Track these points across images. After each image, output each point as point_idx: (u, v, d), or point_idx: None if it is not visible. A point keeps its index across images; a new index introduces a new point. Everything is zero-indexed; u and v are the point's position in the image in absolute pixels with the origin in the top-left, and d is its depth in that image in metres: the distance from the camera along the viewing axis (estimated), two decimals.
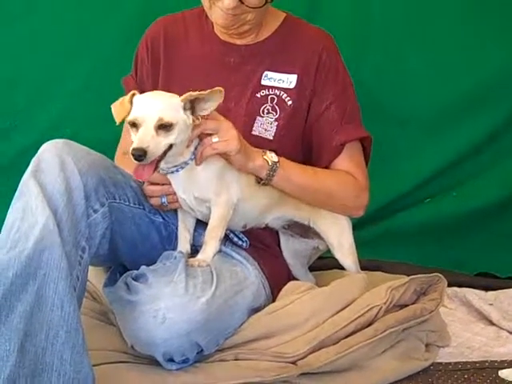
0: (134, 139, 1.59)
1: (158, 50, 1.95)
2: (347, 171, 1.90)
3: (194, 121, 1.65)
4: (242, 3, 1.75)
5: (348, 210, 1.94)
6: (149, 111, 1.60)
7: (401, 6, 2.48)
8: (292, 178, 1.81)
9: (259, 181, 1.78)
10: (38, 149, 1.62)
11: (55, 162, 1.57)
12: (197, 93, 1.63)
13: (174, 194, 1.76)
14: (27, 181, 1.55)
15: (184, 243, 1.82)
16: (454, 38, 2.48)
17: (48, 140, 1.64)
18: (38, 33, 2.50)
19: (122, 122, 1.66)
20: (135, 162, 1.58)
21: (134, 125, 1.60)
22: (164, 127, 1.59)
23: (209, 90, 1.63)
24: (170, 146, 1.62)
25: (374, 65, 2.45)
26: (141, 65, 1.99)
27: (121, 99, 1.66)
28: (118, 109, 1.65)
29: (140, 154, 1.56)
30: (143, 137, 1.57)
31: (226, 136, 1.68)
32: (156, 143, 1.58)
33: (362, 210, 1.94)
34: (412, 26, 2.49)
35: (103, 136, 2.26)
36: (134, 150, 1.56)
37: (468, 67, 2.50)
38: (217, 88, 1.63)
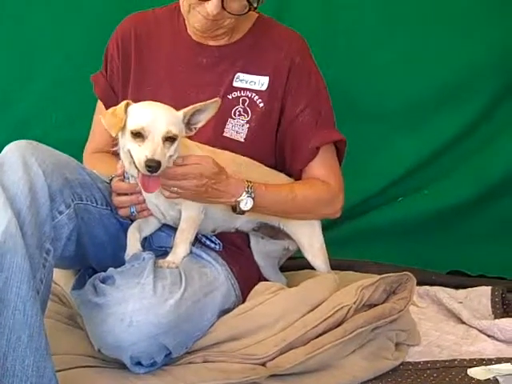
0: (143, 150, 1.57)
1: (128, 48, 1.94)
2: (321, 177, 1.91)
3: (187, 132, 1.66)
4: (224, 10, 1.74)
5: (325, 216, 1.98)
6: (157, 123, 1.59)
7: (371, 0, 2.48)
8: (268, 209, 1.82)
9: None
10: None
11: (18, 163, 1.55)
12: (198, 104, 1.64)
13: (143, 202, 1.75)
14: None
15: (134, 242, 1.76)
16: (424, 34, 2.47)
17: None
18: (5, 32, 2.47)
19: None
20: (146, 173, 1.58)
21: (139, 135, 1.59)
22: (170, 139, 1.60)
23: (208, 101, 1.64)
24: (169, 157, 1.62)
25: (343, 60, 2.44)
26: (111, 62, 1.97)
27: (112, 109, 1.64)
28: (110, 119, 1.62)
29: (156, 167, 1.56)
30: (155, 149, 1.57)
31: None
32: (164, 155, 1.59)
33: (338, 213, 1.97)
34: (382, 20, 2.48)
35: (73, 136, 2.24)
36: (149, 161, 1.56)
37: (439, 63, 2.49)
38: (214, 99, 1.65)
